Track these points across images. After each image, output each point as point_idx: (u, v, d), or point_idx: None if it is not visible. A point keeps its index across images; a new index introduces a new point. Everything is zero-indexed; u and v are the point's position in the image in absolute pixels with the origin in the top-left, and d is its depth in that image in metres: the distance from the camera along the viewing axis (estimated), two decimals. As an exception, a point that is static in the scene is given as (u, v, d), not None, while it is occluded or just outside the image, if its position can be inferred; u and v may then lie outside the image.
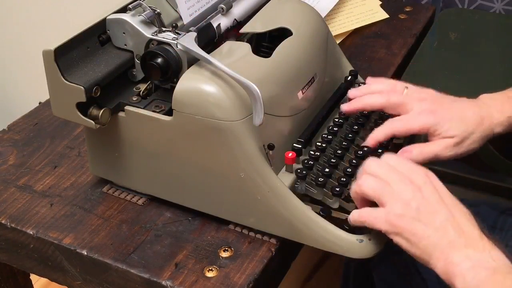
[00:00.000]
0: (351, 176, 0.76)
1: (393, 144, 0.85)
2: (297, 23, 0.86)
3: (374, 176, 0.70)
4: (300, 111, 0.81)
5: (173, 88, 0.75)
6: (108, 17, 0.78)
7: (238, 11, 0.85)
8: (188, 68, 0.75)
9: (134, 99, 0.78)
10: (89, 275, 0.78)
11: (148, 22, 0.77)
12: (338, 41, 1.12)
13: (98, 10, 0.78)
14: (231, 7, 0.84)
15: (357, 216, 0.70)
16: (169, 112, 0.75)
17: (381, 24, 1.22)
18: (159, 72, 0.74)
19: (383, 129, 0.80)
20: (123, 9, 0.79)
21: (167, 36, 0.76)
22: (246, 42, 0.84)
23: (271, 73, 0.78)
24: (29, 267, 0.84)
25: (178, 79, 0.74)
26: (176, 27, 0.77)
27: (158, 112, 0.76)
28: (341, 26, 1.19)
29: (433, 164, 0.74)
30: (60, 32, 0.73)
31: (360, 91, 0.85)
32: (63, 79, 0.73)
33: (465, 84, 1.02)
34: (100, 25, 0.78)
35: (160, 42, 0.76)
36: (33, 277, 1.00)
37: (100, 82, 0.75)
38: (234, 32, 0.85)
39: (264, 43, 0.88)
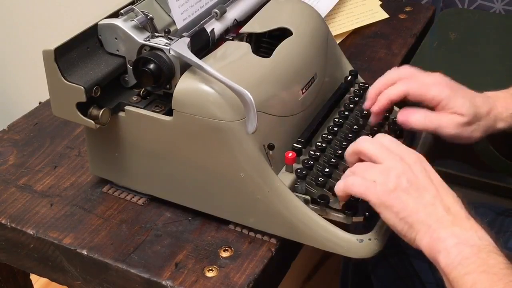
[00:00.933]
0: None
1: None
2: (297, 23, 0.86)
3: (366, 153, 0.70)
4: (300, 111, 0.81)
5: (166, 93, 0.75)
6: (99, 22, 0.77)
7: (232, 15, 0.85)
8: (181, 74, 0.74)
9: (134, 99, 0.78)
10: (89, 275, 0.78)
11: (141, 28, 0.76)
12: (338, 41, 1.12)
13: (99, 10, 0.78)
14: (225, 11, 0.83)
15: (344, 186, 0.70)
16: (169, 112, 0.75)
17: (381, 24, 1.22)
18: (152, 78, 0.73)
19: (397, 86, 0.79)
20: (115, 14, 0.78)
21: (160, 41, 0.75)
22: (246, 42, 0.84)
23: (271, 73, 0.78)
24: (29, 267, 0.84)
25: (171, 85, 0.74)
26: (168, 33, 0.75)
27: (158, 112, 0.76)
28: (341, 26, 1.19)
29: (433, 165, 0.74)
30: (60, 32, 0.73)
31: (377, 87, 0.83)
32: (63, 79, 0.73)
33: (465, 84, 1.02)
34: (100, 25, 0.78)
35: (153, 48, 0.74)
36: (33, 277, 1.00)
37: (100, 82, 0.75)
38: (235, 32, 0.85)
39: (264, 43, 0.88)
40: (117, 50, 0.77)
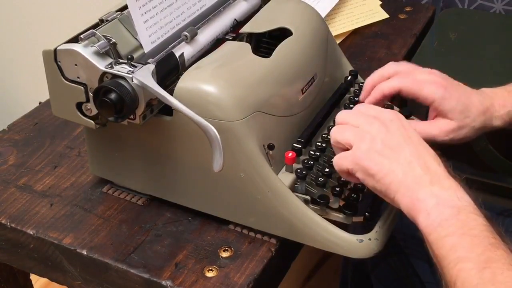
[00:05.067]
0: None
1: None
2: (297, 23, 0.86)
3: (344, 123, 0.71)
4: (300, 111, 0.81)
5: (131, 124, 0.72)
6: (58, 48, 0.72)
7: (204, 38, 0.81)
8: (145, 103, 0.70)
9: (134, 99, 0.78)
10: (89, 275, 0.78)
11: (102, 54, 0.71)
12: (338, 41, 1.12)
13: (99, 10, 0.78)
14: (195, 34, 0.79)
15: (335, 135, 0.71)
16: (169, 112, 0.75)
17: (381, 24, 1.22)
18: (113, 108, 0.68)
19: (391, 81, 0.80)
20: (75, 39, 0.72)
21: (123, 69, 0.70)
22: (246, 42, 0.84)
23: (271, 73, 0.78)
24: (29, 267, 0.84)
25: (135, 116, 0.71)
26: (131, 59, 0.71)
27: (158, 112, 0.76)
28: (341, 26, 1.19)
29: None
30: (60, 32, 0.73)
31: (372, 80, 0.83)
32: (63, 79, 0.73)
33: (465, 84, 1.02)
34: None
35: (115, 76, 0.69)
36: (33, 277, 1.00)
37: (100, 82, 0.75)
38: (235, 32, 0.85)
39: (264, 43, 0.88)
40: (78, 77, 0.72)
